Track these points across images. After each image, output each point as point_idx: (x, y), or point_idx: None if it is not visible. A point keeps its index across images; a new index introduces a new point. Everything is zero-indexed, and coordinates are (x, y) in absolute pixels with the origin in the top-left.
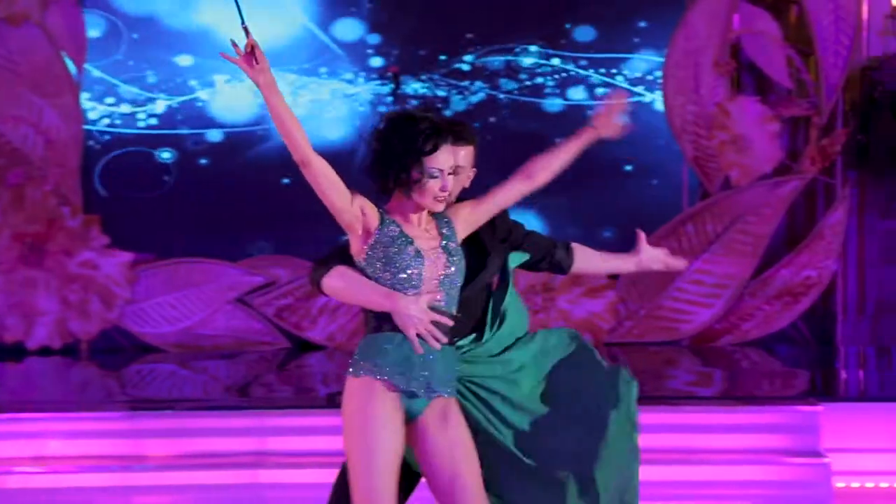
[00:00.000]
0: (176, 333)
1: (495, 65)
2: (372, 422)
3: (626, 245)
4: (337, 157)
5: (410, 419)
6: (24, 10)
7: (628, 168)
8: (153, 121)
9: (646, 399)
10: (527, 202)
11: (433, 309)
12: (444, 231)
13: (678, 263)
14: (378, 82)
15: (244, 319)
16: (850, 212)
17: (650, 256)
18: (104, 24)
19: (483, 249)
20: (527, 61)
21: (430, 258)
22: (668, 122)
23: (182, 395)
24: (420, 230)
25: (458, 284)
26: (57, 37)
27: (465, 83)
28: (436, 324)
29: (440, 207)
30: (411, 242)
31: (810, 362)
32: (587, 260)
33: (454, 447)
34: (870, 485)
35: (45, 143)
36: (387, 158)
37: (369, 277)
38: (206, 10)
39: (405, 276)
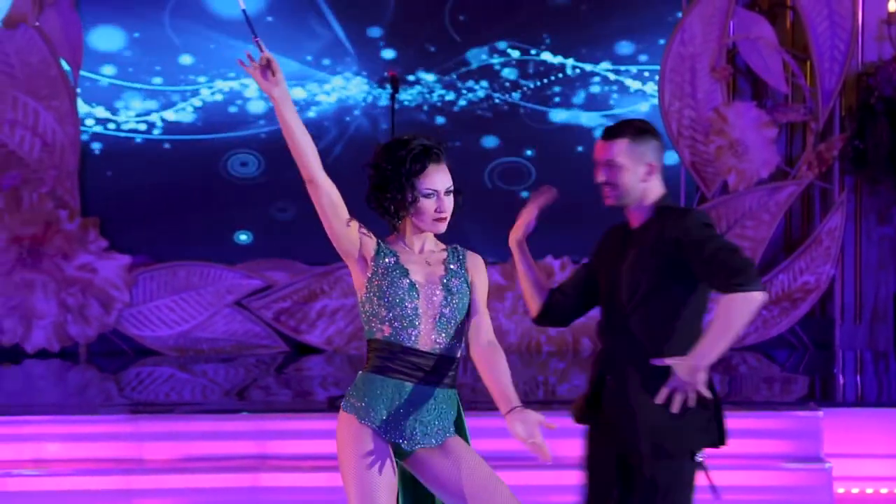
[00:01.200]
0: (174, 337)
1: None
2: (357, 459)
3: None
4: (325, 159)
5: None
6: (20, 13)
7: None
8: (153, 123)
9: None
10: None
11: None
12: (451, 266)
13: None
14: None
15: (243, 323)
16: (848, 217)
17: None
18: (103, 26)
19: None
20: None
21: (424, 292)
22: (664, 127)
23: (181, 398)
24: (420, 258)
25: (457, 323)
26: (53, 40)
27: (467, 84)
28: (439, 365)
29: (441, 228)
30: (406, 274)
31: (809, 367)
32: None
33: (464, 469)
34: (870, 490)
35: (41, 146)
36: (381, 184)
37: (366, 313)
38: (205, 12)
39: (401, 311)
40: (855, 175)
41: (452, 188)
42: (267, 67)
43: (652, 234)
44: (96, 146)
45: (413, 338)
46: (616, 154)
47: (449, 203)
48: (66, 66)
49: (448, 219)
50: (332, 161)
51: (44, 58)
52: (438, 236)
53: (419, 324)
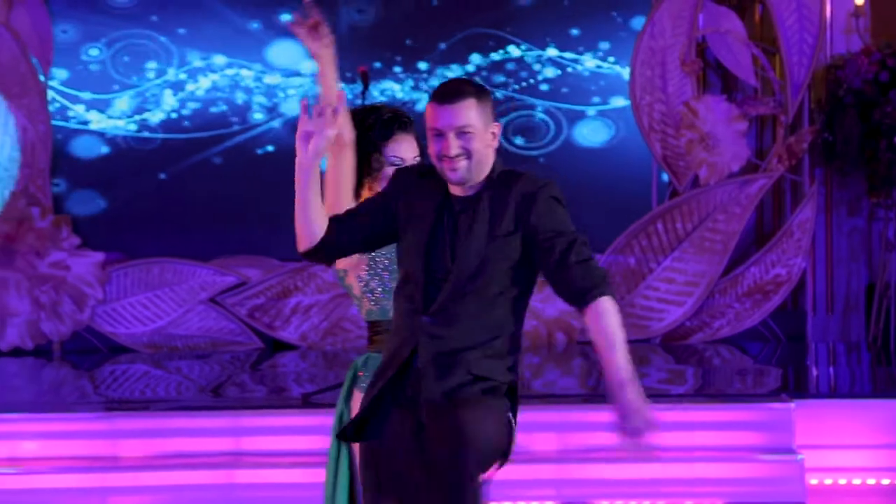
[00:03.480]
0: (149, 333)
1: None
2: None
3: (597, 243)
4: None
5: None
6: None
7: (597, 167)
8: (125, 121)
9: None
10: None
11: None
12: None
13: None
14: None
15: (217, 319)
16: (819, 209)
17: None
18: (70, 23)
19: None
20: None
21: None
22: (636, 121)
23: (156, 395)
24: None
25: None
26: (23, 36)
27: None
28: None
29: None
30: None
31: (781, 359)
32: None
33: None
34: (843, 481)
35: (12, 144)
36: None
37: (374, 293)
38: (168, 11)
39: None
40: (825, 167)
41: (419, 158)
42: (315, 28)
43: (497, 202)
44: (68, 143)
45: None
46: (468, 118)
47: None
48: (35, 63)
49: None
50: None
51: (13, 55)
52: None
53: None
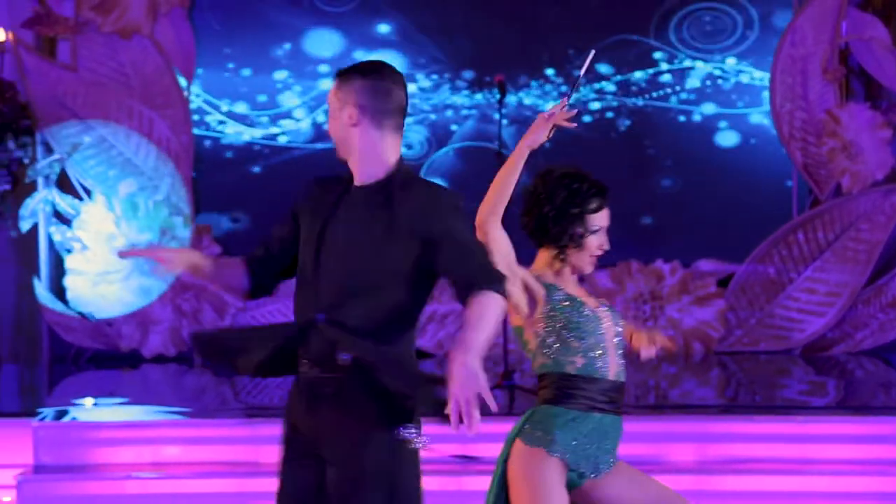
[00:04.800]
0: None
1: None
2: (540, 490)
3: (735, 253)
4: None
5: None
6: (135, 23)
7: (737, 176)
8: (264, 131)
9: (759, 409)
10: (637, 212)
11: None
12: (587, 291)
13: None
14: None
15: None
16: None
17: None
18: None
19: None
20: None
21: (602, 318)
22: (776, 130)
23: None
24: (578, 291)
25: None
26: (167, 49)
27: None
28: (613, 392)
29: (591, 268)
30: (584, 304)
31: None
32: None
33: (639, 485)
34: None
35: (156, 154)
36: (551, 213)
37: (551, 348)
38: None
39: (594, 339)
40: None
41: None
42: (554, 123)
43: (393, 200)
44: (211, 153)
45: (605, 367)
46: (328, 99)
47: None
48: (179, 75)
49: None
50: (439, 163)
51: (158, 67)
52: None
53: (608, 352)
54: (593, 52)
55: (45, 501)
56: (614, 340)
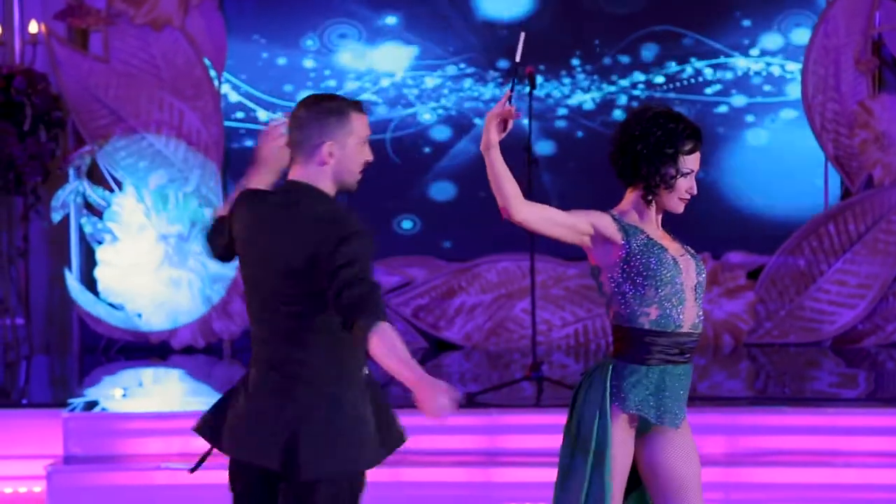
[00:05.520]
0: None
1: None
2: (626, 453)
3: (765, 245)
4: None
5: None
6: (166, 14)
7: (768, 168)
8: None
9: (788, 401)
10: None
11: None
12: (672, 235)
13: None
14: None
15: None
16: None
17: None
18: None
19: None
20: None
21: (682, 265)
22: (808, 121)
23: None
24: (661, 234)
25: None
26: (198, 41)
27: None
28: (688, 343)
29: (681, 208)
30: (665, 249)
31: None
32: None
33: (682, 455)
34: None
35: (186, 146)
36: (644, 152)
37: (625, 296)
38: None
39: (671, 288)
40: None
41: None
42: (504, 121)
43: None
44: (242, 143)
45: (680, 318)
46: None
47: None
48: (210, 67)
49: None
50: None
51: (188, 59)
52: None
53: (686, 302)
54: (524, 34)
55: (74, 492)
56: (694, 290)
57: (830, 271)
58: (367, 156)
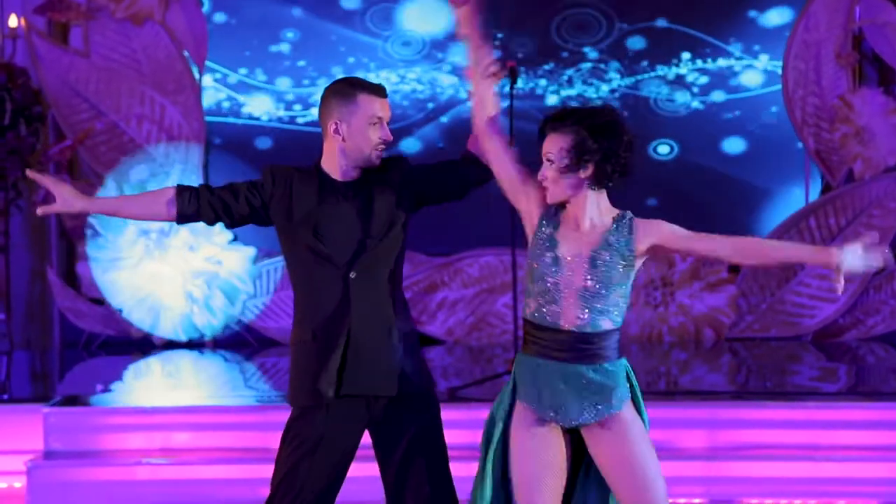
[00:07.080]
0: None
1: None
2: (516, 443)
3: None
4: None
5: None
6: (147, 9)
7: (749, 162)
8: (271, 114)
9: (769, 395)
10: (644, 195)
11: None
12: (610, 238)
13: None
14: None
15: None
16: None
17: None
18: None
19: None
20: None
21: (568, 267)
22: (788, 115)
23: None
24: (582, 231)
25: (603, 299)
26: (178, 35)
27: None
28: (570, 342)
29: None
30: (553, 247)
31: None
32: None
33: (619, 460)
34: None
35: (167, 140)
36: (609, 155)
37: (525, 285)
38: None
39: (542, 285)
40: None
41: None
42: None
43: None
44: (223, 137)
45: (556, 315)
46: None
47: None
48: (190, 61)
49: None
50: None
51: (169, 53)
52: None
53: (561, 300)
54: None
55: (55, 487)
56: (578, 293)
57: (811, 265)
58: (380, 135)
